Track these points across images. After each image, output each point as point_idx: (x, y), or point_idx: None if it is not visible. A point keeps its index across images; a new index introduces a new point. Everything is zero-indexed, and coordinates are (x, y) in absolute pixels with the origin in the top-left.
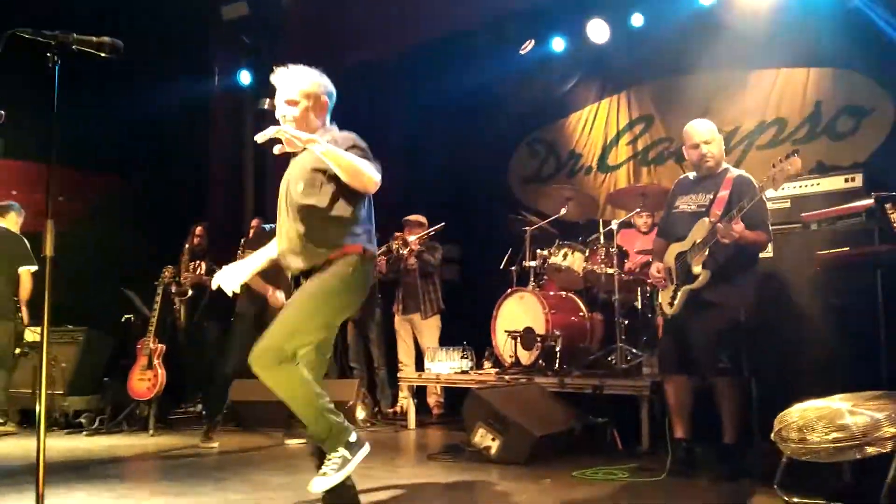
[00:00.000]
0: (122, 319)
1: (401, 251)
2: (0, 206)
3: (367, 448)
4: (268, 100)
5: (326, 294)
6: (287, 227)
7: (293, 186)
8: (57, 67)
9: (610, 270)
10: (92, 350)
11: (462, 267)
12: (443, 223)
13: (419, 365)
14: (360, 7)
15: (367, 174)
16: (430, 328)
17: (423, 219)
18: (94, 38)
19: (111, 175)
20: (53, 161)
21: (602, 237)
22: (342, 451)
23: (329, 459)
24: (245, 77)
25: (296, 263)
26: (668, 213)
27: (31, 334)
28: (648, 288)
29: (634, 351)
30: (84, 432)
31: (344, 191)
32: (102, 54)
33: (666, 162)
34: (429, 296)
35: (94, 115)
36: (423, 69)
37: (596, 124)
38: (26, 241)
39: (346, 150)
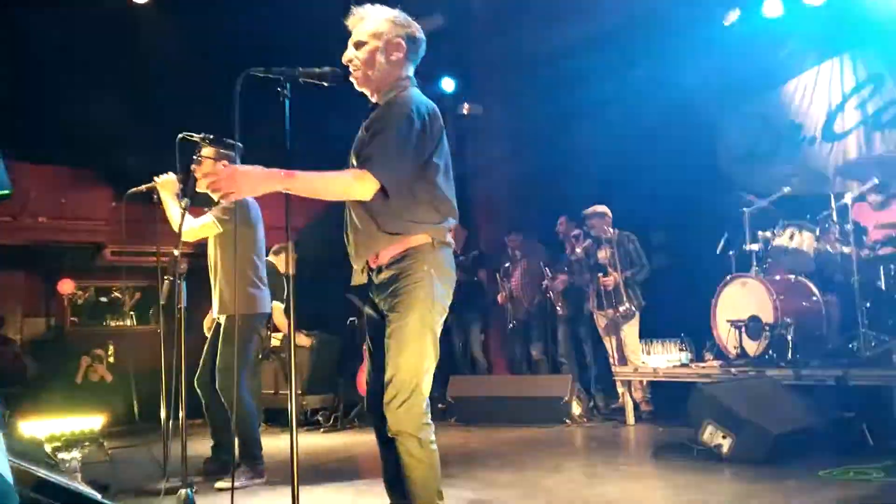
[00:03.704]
0: (348, 322)
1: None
2: (277, 247)
3: None
4: (467, 104)
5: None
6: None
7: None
8: (287, 100)
9: (846, 249)
10: (324, 352)
11: (669, 254)
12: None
13: (622, 359)
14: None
15: (349, 189)
16: (630, 323)
17: (603, 209)
18: (317, 70)
19: None
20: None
21: (834, 213)
22: None
23: None
24: (448, 84)
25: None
26: None
27: (274, 340)
28: (893, 266)
29: (881, 337)
30: (321, 429)
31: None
32: (325, 83)
33: None
34: (626, 291)
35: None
36: (619, 52)
37: (817, 90)
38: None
39: (393, 120)
